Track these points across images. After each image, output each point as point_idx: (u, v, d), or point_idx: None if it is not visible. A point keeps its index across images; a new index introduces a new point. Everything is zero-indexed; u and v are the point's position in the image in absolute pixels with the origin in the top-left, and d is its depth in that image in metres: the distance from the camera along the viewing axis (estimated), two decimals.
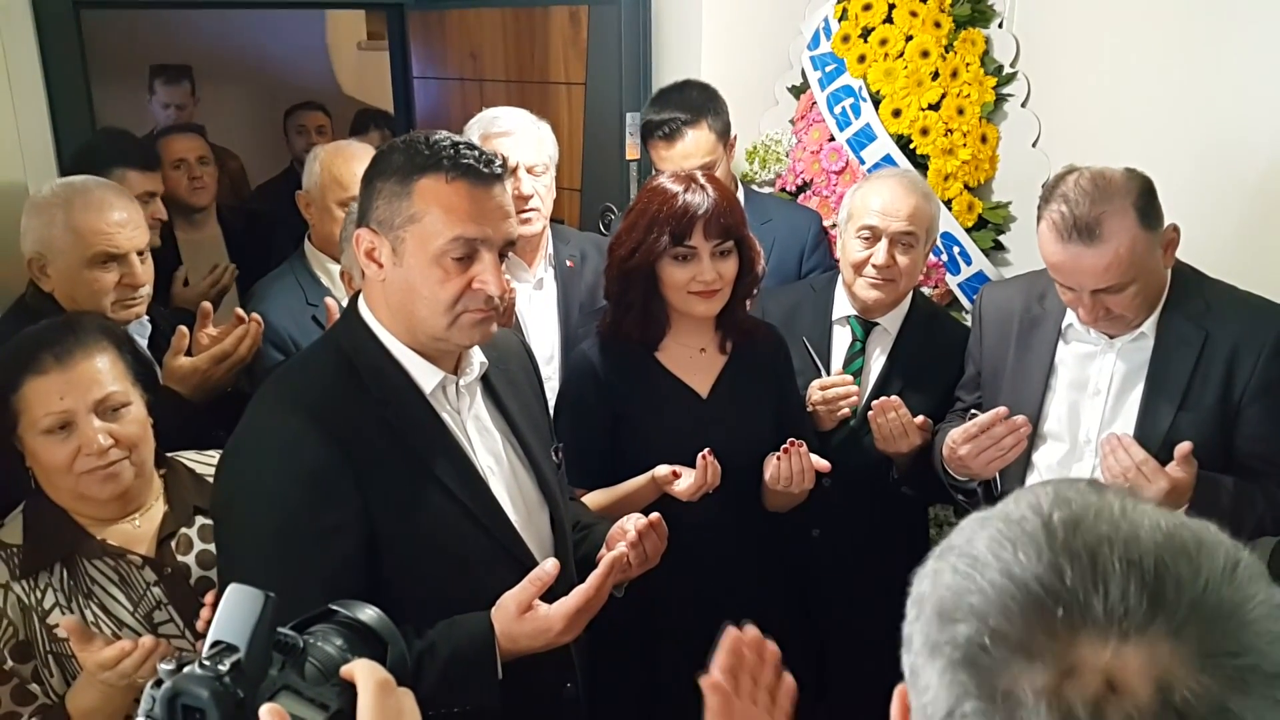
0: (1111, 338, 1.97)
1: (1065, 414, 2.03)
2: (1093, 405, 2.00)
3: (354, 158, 2.60)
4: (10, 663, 1.58)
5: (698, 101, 2.62)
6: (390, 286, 1.49)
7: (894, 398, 2.15)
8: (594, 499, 2.02)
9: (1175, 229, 1.87)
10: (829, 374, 2.31)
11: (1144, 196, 1.80)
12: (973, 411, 2.05)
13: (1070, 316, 2.01)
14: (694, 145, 2.59)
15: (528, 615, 1.46)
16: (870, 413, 2.17)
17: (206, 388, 2.20)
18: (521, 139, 2.52)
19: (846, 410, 2.25)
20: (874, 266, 2.23)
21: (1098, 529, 0.63)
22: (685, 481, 1.93)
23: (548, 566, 1.48)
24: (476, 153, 1.47)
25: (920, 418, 2.18)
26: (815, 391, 2.25)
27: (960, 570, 0.66)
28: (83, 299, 2.14)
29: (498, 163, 1.50)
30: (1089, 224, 1.77)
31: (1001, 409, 1.94)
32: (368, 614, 1.00)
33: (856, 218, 2.26)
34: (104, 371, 1.65)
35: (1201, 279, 1.98)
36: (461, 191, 1.45)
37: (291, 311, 2.48)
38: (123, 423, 1.65)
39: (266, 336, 2.36)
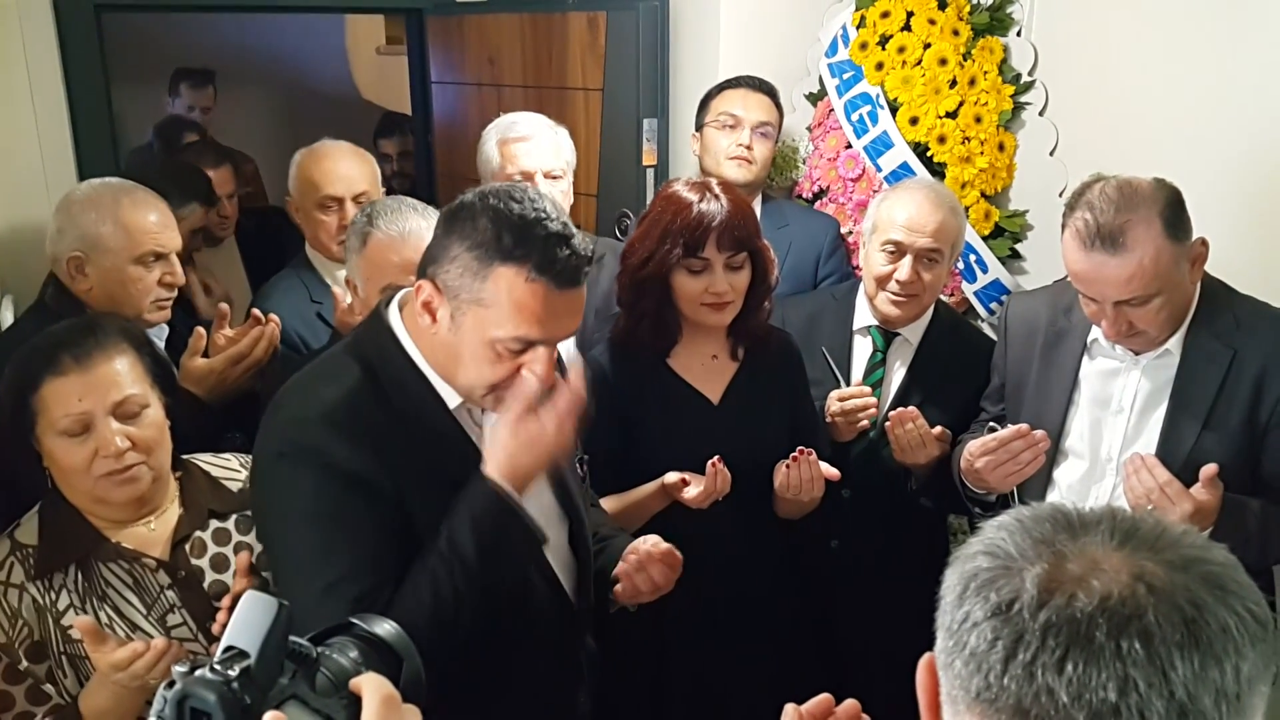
0: (1136, 354, 1.94)
1: (1087, 431, 1.99)
2: (1115, 423, 1.96)
3: (325, 157, 2.64)
4: (25, 663, 1.59)
5: (771, 87, 2.84)
6: (439, 341, 1.46)
7: (911, 409, 2.14)
8: (604, 505, 2.01)
9: (1204, 243, 1.83)
10: (848, 385, 2.30)
11: (1171, 207, 1.77)
12: (992, 425, 2.03)
13: (1096, 331, 1.97)
14: (764, 104, 2.78)
15: (519, 427, 1.43)
16: (887, 424, 2.16)
17: (222, 389, 2.20)
18: (539, 144, 2.52)
19: (865, 422, 2.23)
20: (898, 283, 2.20)
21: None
22: (695, 489, 1.92)
23: None
24: (568, 253, 1.38)
25: (938, 429, 2.16)
26: (834, 403, 2.23)
27: (984, 526, 0.81)
28: (123, 298, 2.15)
29: (587, 267, 1.42)
30: (1113, 232, 1.74)
31: (1023, 425, 1.91)
32: (385, 628, 1.00)
33: (881, 230, 2.23)
34: (123, 374, 1.65)
35: (1231, 294, 1.93)
36: (539, 295, 1.38)
37: (297, 309, 2.50)
38: (141, 426, 1.66)
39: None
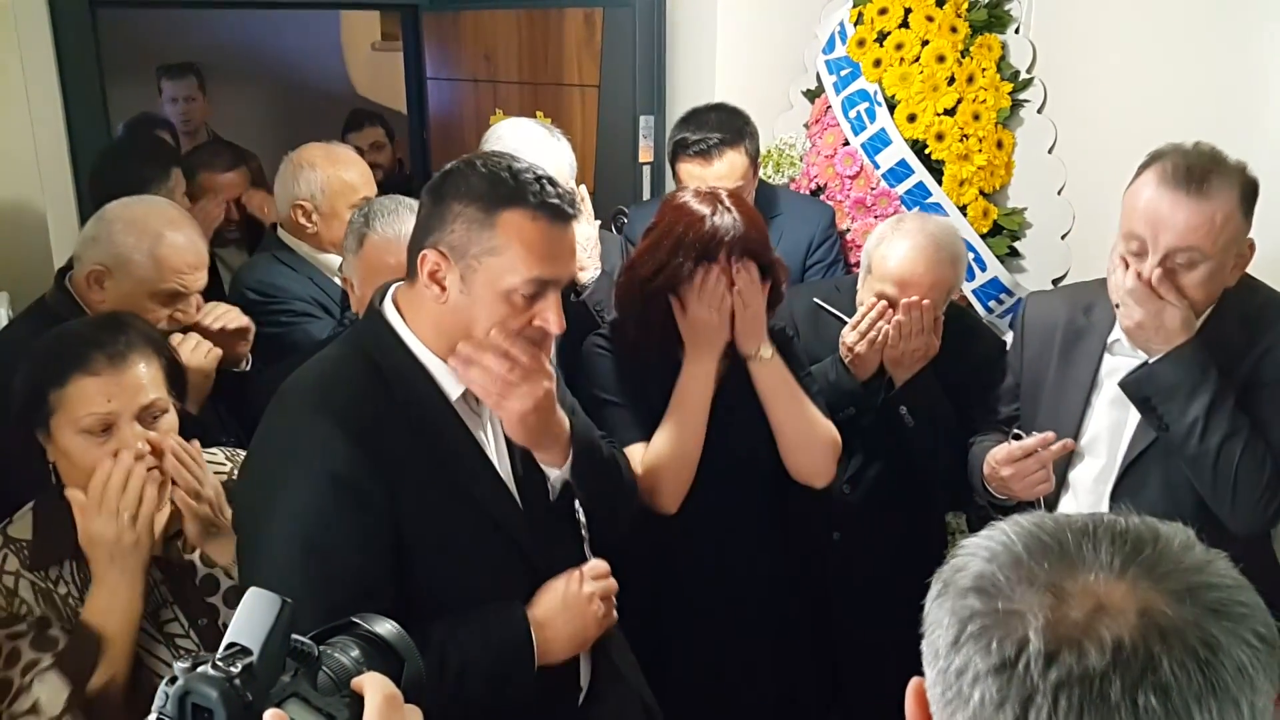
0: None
1: (1106, 431, 1.98)
2: (1135, 421, 1.94)
3: (352, 162, 2.73)
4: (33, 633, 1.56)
5: (734, 124, 2.60)
6: (449, 310, 1.47)
7: (926, 301, 2.12)
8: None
9: (1251, 246, 1.82)
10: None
11: (1249, 188, 1.78)
12: (1016, 432, 2.01)
13: (1117, 331, 1.94)
14: (729, 167, 2.56)
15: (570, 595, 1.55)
16: (902, 306, 2.12)
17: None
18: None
19: (886, 329, 2.15)
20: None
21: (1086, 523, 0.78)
22: None
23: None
24: (559, 190, 1.46)
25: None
26: (849, 335, 2.18)
27: (969, 549, 0.78)
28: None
29: (577, 203, 1.50)
30: (1200, 175, 1.74)
31: (1048, 434, 1.90)
32: (386, 628, 0.99)
33: (875, 278, 2.19)
34: (148, 378, 1.65)
35: (1255, 287, 1.92)
36: (543, 230, 1.44)
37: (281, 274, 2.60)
38: (159, 430, 1.65)
39: (261, 291, 2.49)
